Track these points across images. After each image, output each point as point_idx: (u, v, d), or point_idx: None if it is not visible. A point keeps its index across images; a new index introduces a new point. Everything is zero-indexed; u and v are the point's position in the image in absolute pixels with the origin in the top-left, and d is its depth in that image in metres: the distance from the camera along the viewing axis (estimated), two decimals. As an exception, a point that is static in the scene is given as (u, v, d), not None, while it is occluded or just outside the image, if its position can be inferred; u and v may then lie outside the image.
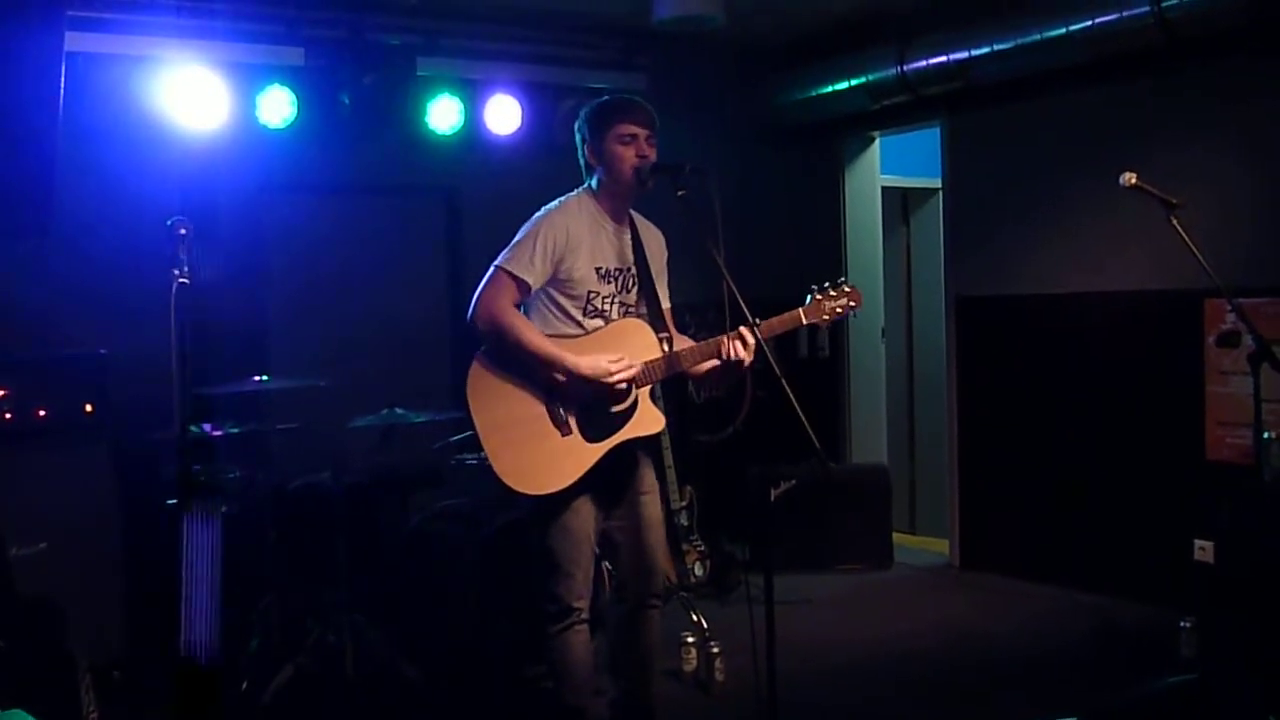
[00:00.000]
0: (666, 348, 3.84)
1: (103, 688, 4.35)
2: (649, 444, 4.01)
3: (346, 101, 6.07)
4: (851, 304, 3.87)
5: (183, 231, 3.42)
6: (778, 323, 3.75)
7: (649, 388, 3.83)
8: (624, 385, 3.73)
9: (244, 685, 4.85)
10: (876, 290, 8.05)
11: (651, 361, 3.79)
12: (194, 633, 4.08)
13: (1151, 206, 4.21)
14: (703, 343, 3.79)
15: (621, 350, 3.78)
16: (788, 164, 8.11)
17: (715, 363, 3.74)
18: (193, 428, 4.87)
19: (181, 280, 3.35)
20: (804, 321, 3.81)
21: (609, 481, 3.88)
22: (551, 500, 3.76)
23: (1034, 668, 5.30)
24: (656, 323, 3.92)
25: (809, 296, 3.84)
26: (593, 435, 3.76)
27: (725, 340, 3.68)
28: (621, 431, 3.78)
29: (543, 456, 3.73)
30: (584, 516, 3.82)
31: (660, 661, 4.26)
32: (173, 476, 3.53)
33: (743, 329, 3.64)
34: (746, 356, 3.66)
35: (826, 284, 3.86)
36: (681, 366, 3.79)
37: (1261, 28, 5.22)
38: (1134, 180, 4.15)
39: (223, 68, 5.79)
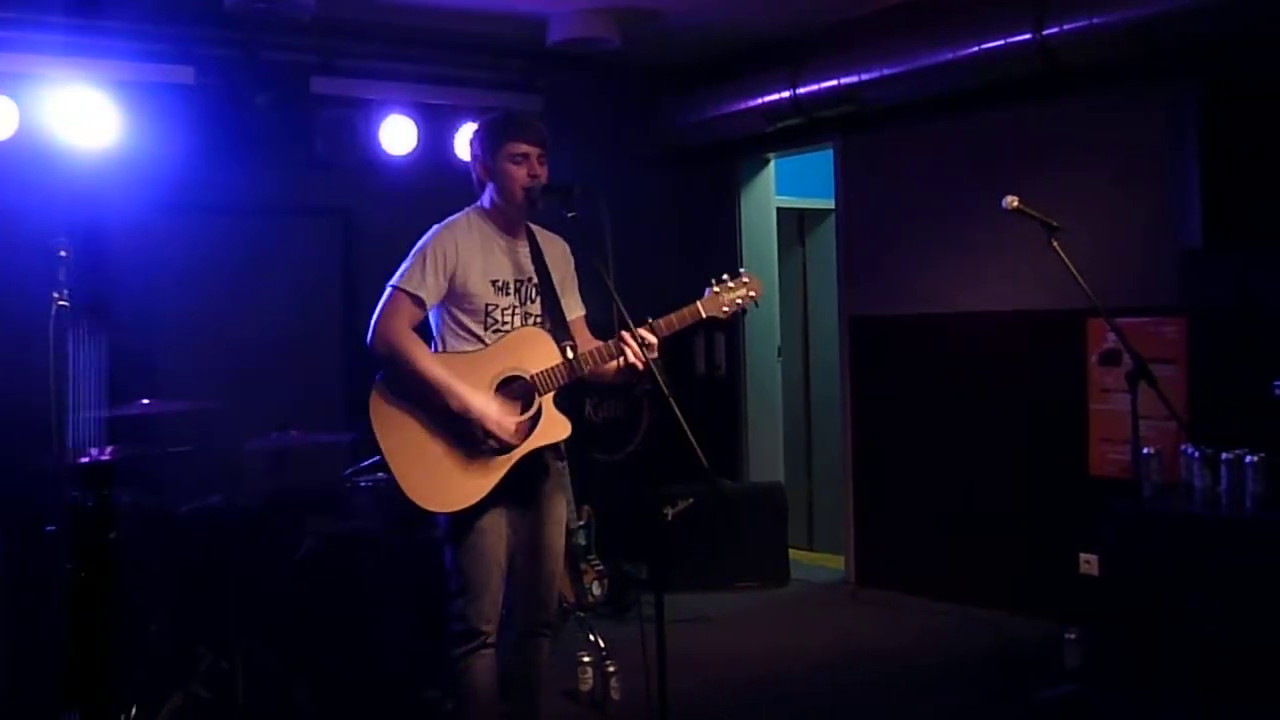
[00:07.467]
0: (571, 354, 3.80)
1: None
2: (563, 479, 4.01)
3: (238, 121, 6.00)
4: (751, 294, 3.86)
5: (63, 253, 3.37)
6: (676, 319, 3.74)
7: (552, 394, 3.81)
8: (495, 442, 3.70)
9: (133, 712, 4.74)
10: (773, 310, 8.11)
11: (550, 369, 3.78)
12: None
13: (1036, 228, 4.30)
14: (603, 344, 3.77)
15: (519, 359, 3.77)
16: (684, 185, 8.19)
17: (620, 363, 3.70)
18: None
19: (61, 303, 3.31)
20: (703, 315, 3.80)
21: (521, 501, 3.87)
22: (462, 520, 3.73)
23: (928, 683, 5.37)
24: (559, 331, 3.87)
25: (706, 290, 3.83)
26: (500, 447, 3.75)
27: (625, 335, 3.59)
28: (529, 440, 3.76)
29: (451, 473, 3.70)
30: (494, 539, 3.79)
31: (557, 681, 4.25)
32: (54, 503, 3.46)
33: (641, 330, 3.60)
34: (649, 351, 3.57)
35: (725, 275, 3.86)
36: (583, 371, 3.77)
37: (1139, 57, 5.40)
38: (1016, 204, 4.22)
39: (111, 86, 5.70)
